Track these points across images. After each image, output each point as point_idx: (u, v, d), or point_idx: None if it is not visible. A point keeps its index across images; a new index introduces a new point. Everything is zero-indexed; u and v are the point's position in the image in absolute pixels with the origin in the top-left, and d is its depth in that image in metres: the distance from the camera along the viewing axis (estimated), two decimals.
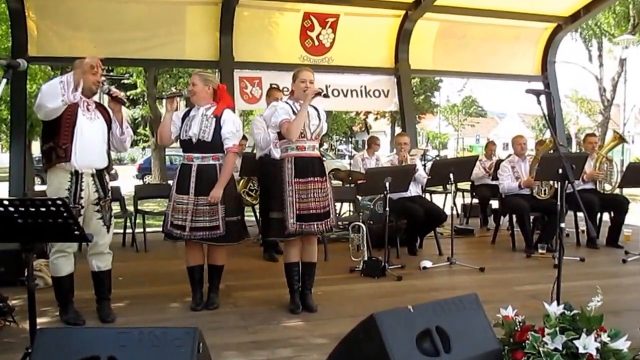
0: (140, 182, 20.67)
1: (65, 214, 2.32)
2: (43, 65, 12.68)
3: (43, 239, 2.72)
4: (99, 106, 4.04)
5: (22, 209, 2.27)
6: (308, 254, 4.36)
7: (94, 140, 3.88)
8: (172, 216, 4.22)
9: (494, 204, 7.87)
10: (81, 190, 3.84)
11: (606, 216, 7.13)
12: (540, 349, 2.56)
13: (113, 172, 19.20)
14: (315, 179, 4.18)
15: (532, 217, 6.74)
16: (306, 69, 4.33)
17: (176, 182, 4.25)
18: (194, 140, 4.18)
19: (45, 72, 13.40)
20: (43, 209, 2.28)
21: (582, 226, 7.03)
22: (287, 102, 4.32)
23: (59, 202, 2.26)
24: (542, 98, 3.82)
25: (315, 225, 4.17)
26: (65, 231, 2.42)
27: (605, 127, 23.29)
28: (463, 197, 9.76)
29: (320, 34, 9.12)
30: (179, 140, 4.32)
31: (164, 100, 4.84)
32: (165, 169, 20.05)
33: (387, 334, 2.32)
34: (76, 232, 2.42)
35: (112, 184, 4.20)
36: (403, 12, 9.29)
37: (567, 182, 3.60)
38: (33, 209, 2.27)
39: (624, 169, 6.91)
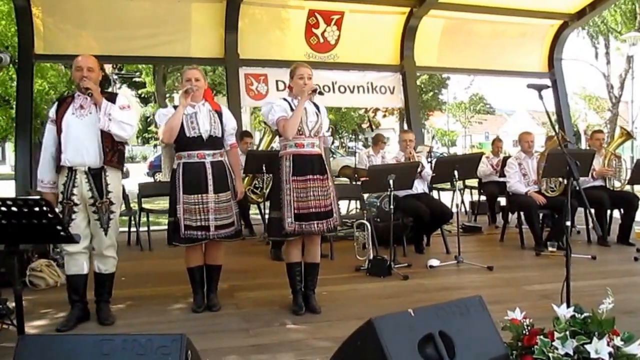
0: (151, 180, 20.82)
1: (49, 215, 2.25)
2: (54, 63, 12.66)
3: (28, 240, 2.65)
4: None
5: (4, 209, 2.20)
6: (311, 254, 4.25)
7: (81, 138, 3.80)
8: (186, 219, 4.03)
9: (502, 201, 7.77)
10: (74, 186, 3.81)
11: (617, 213, 7.00)
12: (550, 354, 2.45)
13: (125, 169, 19.23)
14: (315, 177, 4.06)
15: (541, 215, 6.63)
16: (303, 65, 4.21)
17: (182, 183, 4.03)
18: (204, 136, 4.09)
19: (57, 70, 13.36)
20: (25, 210, 2.21)
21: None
22: (285, 99, 4.22)
23: (41, 202, 2.19)
24: (545, 93, 3.70)
25: (316, 225, 4.05)
26: (51, 232, 2.36)
27: (614, 123, 23.15)
28: (471, 194, 9.65)
29: (325, 31, 9.10)
30: (179, 138, 4.09)
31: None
32: None
33: (386, 340, 2.21)
34: (62, 233, 2.35)
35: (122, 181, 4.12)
36: (408, 10, 9.27)
37: (572, 179, 3.49)
38: (16, 209, 2.20)
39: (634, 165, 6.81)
